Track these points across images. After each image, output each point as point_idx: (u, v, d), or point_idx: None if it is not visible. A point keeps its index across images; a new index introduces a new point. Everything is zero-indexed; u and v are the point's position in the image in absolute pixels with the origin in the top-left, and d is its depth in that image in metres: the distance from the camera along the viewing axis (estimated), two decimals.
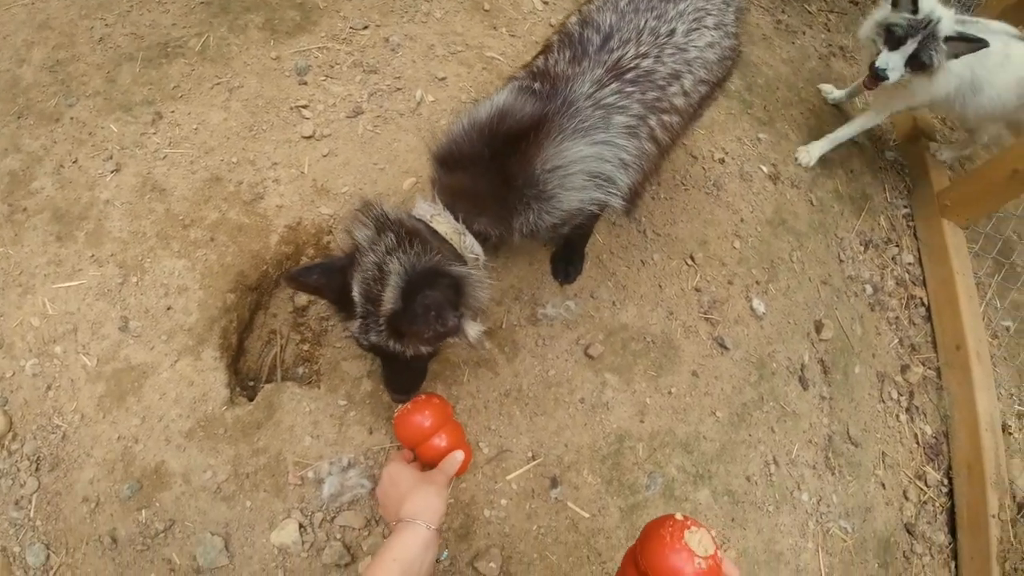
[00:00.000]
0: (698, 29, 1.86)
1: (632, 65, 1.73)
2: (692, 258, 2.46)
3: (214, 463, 1.79)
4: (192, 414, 1.83)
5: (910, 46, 2.45)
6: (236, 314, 2.00)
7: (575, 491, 1.96)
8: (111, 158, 2.15)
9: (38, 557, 1.68)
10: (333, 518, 1.78)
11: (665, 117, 1.80)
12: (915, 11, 2.41)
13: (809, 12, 3.67)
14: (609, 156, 1.70)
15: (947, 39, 2.42)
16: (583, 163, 1.67)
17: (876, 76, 2.53)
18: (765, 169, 2.83)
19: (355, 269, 1.55)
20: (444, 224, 1.63)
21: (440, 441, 1.76)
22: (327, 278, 1.58)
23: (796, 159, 2.95)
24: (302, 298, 2.12)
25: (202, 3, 2.59)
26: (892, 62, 2.49)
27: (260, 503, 1.77)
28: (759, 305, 2.45)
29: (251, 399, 1.91)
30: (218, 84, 2.37)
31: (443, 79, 2.57)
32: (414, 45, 2.65)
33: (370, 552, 1.75)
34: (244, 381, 2.01)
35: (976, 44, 2.38)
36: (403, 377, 1.74)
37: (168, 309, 1.94)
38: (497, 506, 1.89)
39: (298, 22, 2.61)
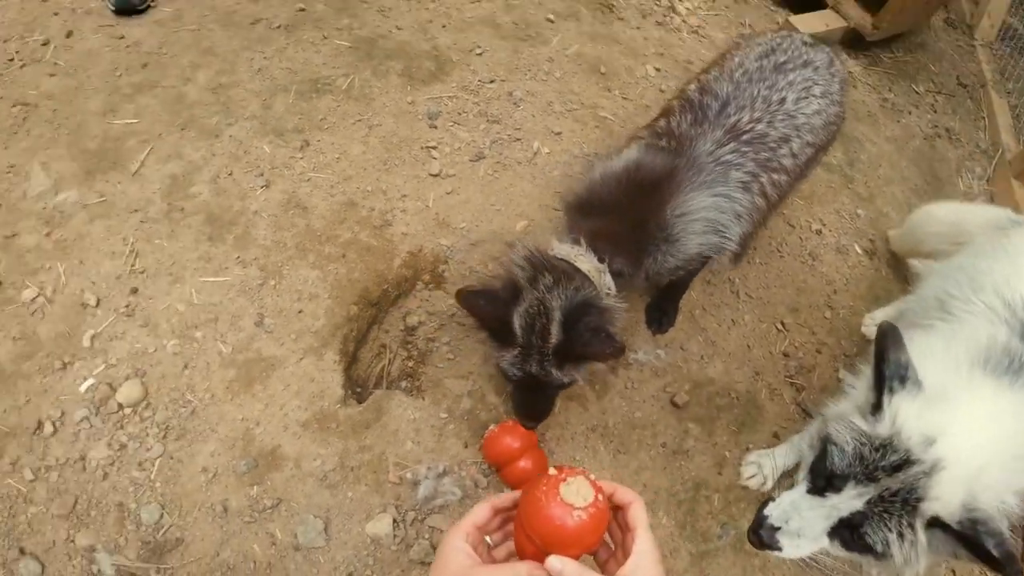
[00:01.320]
0: (806, 98, 2.03)
1: (747, 128, 1.92)
2: (783, 323, 2.54)
3: (324, 453, 1.97)
4: (310, 407, 2.02)
5: (850, 501, 1.30)
6: (356, 325, 2.20)
7: (648, 530, 2.03)
8: (262, 175, 2.43)
9: (152, 515, 1.85)
10: (424, 518, 1.92)
11: (775, 176, 1.98)
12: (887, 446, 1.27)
13: (916, 92, 3.72)
14: (726, 207, 1.90)
15: (933, 524, 1.24)
16: (705, 211, 1.86)
17: (758, 536, 1.40)
18: (862, 244, 2.88)
19: (517, 304, 1.73)
20: (587, 263, 1.79)
21: (525, 464, 1.90)
22: (491, 307, 1.77)
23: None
24: (413, 318, 2.31)
25: (350, 48, 2.89)
26: (798, 522, 1.37)
27: (360, 495, 1.93)
28: (845, 376, 2.48)
29: (360, 402, 2.10)
30: (359, 120, 2.65)
31: (559, 133, 2.78)
32: (534, 100, 2.88)
33: None
34: (353, 388, 2.19)
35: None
36: (539, 405, 1.91)
37: (299, 312, 2.16)
38: None
39: (433, 72, 2.88)
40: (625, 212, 1.86)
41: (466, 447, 2.03)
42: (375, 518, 1.90)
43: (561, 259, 1.80)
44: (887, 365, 1.33)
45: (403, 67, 2.87)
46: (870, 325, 2.60)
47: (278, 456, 1.96)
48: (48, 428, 1.93)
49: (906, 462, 1.25)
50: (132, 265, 2.19)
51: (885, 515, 1.26)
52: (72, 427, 1.94)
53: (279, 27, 2.92)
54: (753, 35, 2.26)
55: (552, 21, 3.25)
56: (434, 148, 2.63)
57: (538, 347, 1.73)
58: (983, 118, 3.80)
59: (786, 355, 2.48)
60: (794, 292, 2.63)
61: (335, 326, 2.16)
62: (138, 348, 2.06)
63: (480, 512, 1.19)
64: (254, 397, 2.03)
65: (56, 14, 2.88)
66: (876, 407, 1.33)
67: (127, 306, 2.13)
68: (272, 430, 1.99)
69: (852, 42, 3.74)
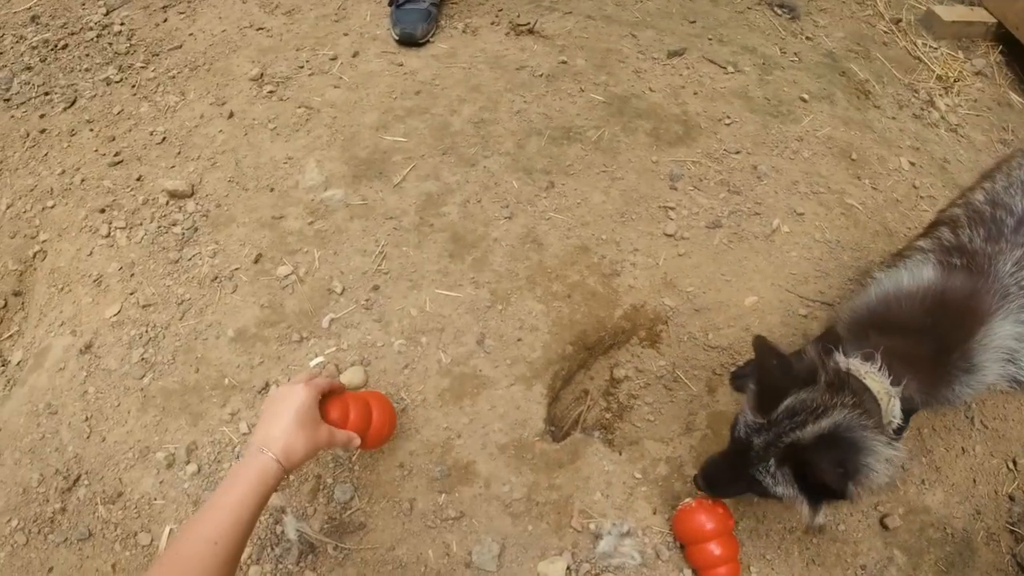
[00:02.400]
0: None
1: None
2: (1015, 462, 2.27)
3: (514, 481, 2.00)
4: (510, 432, 2.07)
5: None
6: (568, 364, 2.24)
7: None
8: (507, 207, 2.56)
9: (344, 494, 1.96)
10: (598, 574, 1.89)
11: None
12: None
13: None
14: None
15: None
16: (1008, 340, 1.67)
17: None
18: None
19: (800, 389, 1.58)
20: (878, 383, 1.63)
21: (715, 549, 1.82)
22: (779, 371, 1.61)
23: None
24: (620, 371, 2.32)
25: (603, 103, 3.00)
26: None
27: (540, 532, 1.94)
28: None
29: (554, 440, 2.13)
30: (604, 172, 2.73)
31: (801, 214, 2.70)
32: (779, 177, 2.82)
33: None
34: (549, 425, 2.23)
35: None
36: (727, 480, 1.75)
37: (518, 340, 2.23)
38: None
39: (680, 135, 2.91)
40: (930, 335, 1.69)
41: (655, 513, 1.98)
42: (550, 559, 1.89)
43: (849, 371, 1.63)
44: None
45: (652, 127, 2.93)
46: None
47: (471, 472, 2.02)
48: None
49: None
50: (379, 265, 2.38)
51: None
52: None
53: (541, 75, 3.10)
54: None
55: (805, 100, 3.18)
56: (672, 209, 2.64)
57: (782, 431, 1.56)
58: None
59: (1012, 499, 2.21)
60: None
61: (548, 361, 2.21)
62: (369, 339, 2.23)
63: (324, 383, 1.65)
64: (461, 410, 2.11)
65: (346, 35, 3.25)
66: None
67: (367, 300, 2.31)
68: (471, 445, 2.06)
69: None
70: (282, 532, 1.91)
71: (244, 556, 1.86)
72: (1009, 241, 1.73)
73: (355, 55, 3.13)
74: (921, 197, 2.92)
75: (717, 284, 2.45)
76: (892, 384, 1.61)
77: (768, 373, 1.62)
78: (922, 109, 3.40)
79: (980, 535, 2.13)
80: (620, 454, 2.08)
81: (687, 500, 1.91)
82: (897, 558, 2.03)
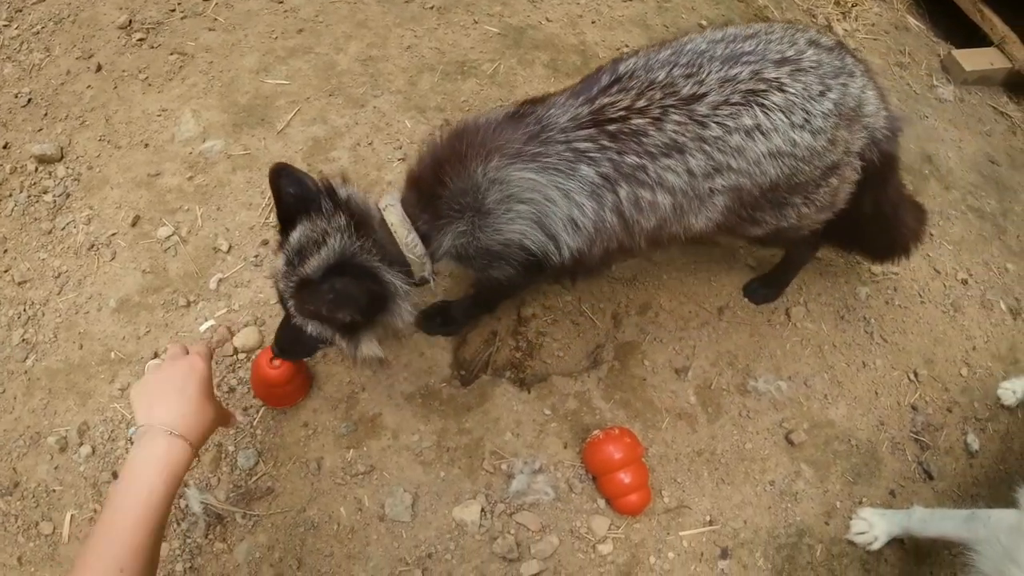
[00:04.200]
0: (746, 107, 1.48)
1: (617, 116, 1.48)
2: (915, 374, 2.35)
3: (423, 429, 1.95)
4: (416, 381, 2.02)
5: None
6: None
7: (743, 569, 1.92)
8: (400, 148, 2.45)
9: (248, 460, 1.89)
10: (513, 513, 1.87)
11: (645, 194, 1.51)
12: None
13: None
14: (561, 206, 1.52)
15: None
16: (533, 194, 1.51)
17: None
18: (1007, 302, 2.64)
19: (307, 218, 1.49)
20: (394, 216, 1.55)
21: (625, 477, 1.83)
22: (296, 201, 1.49)
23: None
24: (527, 310, 2.27)
25: (499, 34, 2.89)
26: None
27: (452, 478, 1.91)
28: (974, 442, 2.28)
29: (464, 384, 2.08)
30: (500, 105, 2.62)
31: None
32: None
33: (537, 556, 1.82)
34: (458, 369, 2.17)
35: None
36: (289, 340, 1.67)
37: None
38: (663, 557, 1.90)
39: (578, 66, 2.83)
40: (437, 163, 1.54)
41: (565, 448, 1.97)
42: (464, 503, 1.87)
43: (376, 207, 1.56)
44: None
45: (549, 59, 2.84)
46: (1007, 390, 2.38)
47: (378, 424, 1.96)
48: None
49: None
50: (267, 218, 2.25)
51: None
52: None
53: (432, 8, 2.96)
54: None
55: (703, 27, 3.13)
56: None
57: (293, 267, 1.48)
58: None
59: (914, 408, 2.29)
60: (931, 342, 2.44)
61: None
62: (261, 298, 2.11)
63: (206, 350, 1.55)
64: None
65: None
66: None
67: (256, 256, 2.19)
68: (376, 397, 2.00)
69: (1016, 85, 3.46)
70: (187, 506, 1.83)
71: None
72: (587, 97, 1.52)
73: None
74: None
75: None
76: (416, 222, 1.56)
77: (286, 206, 1.52)
78: (819, 33, 3.40)
79: (885, 445, 2.21)
80: (529, 392, 2.06)
81: (595, 432, 1.90)
82: (804, 472, 2.08)
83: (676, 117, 1.46)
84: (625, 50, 2.92)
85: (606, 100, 1.49)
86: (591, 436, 1.90)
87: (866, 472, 2.14)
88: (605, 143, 1.47)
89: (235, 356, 2.03)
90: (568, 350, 2.23)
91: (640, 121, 1.46)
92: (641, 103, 1.47)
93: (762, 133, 1.49)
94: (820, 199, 1.71)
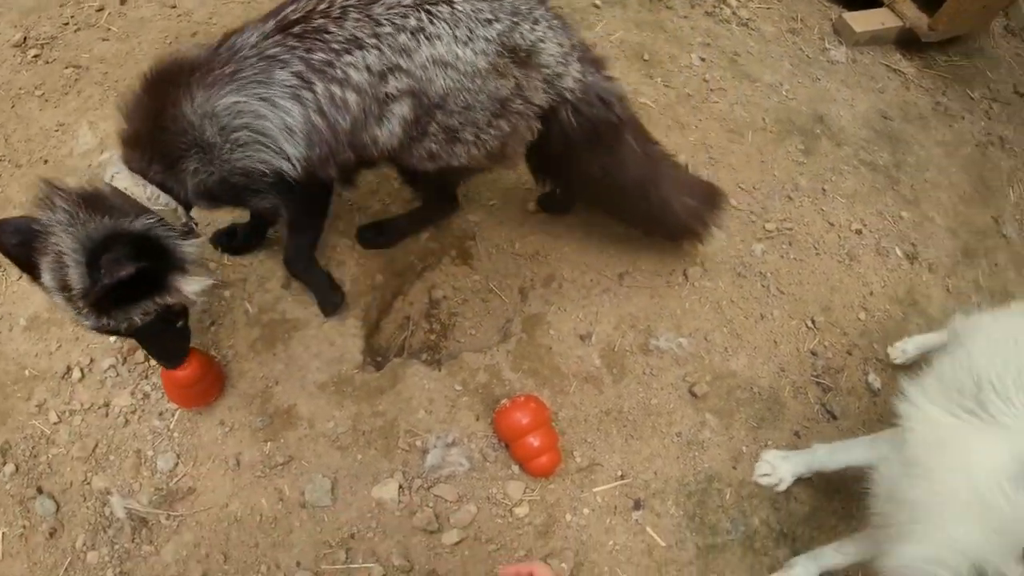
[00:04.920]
0: (414, 11, 1.58)
1: (299, 18, 1.56)
2: (813, 321, 2.47)
3: (338, 415, 2.00)
4: (328, 369, 2.06)
5: None
6: (380, 294, 2.24)
7: (656, 518, 2.01)
8: None
9: (167, 463, 1.92)
10: (430, 487, 1.94)
11: (336, 91, 1.58)
12: None
13: (971, 98, 3.57)
14: (271, 118, 1.56)
15: None
16: (240, 120, 1.54)
17: None
18: (903, 248, 2.79)
19: (41, 253, 1.45)
20: (124, 179, 1.53)
21: (534, 441, 1.91)
22: (24, 247, 1.45)
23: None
24: (438, 292, 2.33)
25: None
26: None
27: (369, 459, 1.96)
28: (875, 380, 2.41)
29: (378, 370, 2.13)
30: None
31: None
32: None
33: (456, 525, 1.89)
34: (374, 356, 2.22)
35: None
36: (156, 347, 1.71)
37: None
38: (579, 514, 1.98)
39: None
40: (148, 111, 1.53)
41: (478, 420, 2.04)
42: (382, 482, 1.93)
43: (102, 184, 1.54)
44: None
45: None
46: (898, 348, 2.47)
47: (293, 415, 2.00)
48: (76, 374, 2.02)
49: None
50: None
51: None
52: (99, 375, 2.03)
53: None
54: None
55: (598, 7, 3.23)
56: None
57: (72, 301, 1.45)
58: None
59: (814, 354, 2.42)
60: (828, 291, 2.56)
61: (359, 293, 2.20)
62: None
63: None
64: (275, 357, 2.08)
65: None
66: None
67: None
68: (290, 389, 2.04)
69: (908, 43, 3.62)
70: (111, 513, 1.86)
71: (79, 544, 1.82)
72: (269, 19, 1.59)
73: (123, 2, 2.89)
74: (712, 90, 3.05)
75: (519, 194, 2.48)
76: (147, 176, 1.55)
77: (18, 261, 1.50)
78: (714, 7, 3.50)
79: (787, 390, 2.32)
80: (440, 370, 2.12)
81: (503, 401, 1.97)
82: (709, 421, 2.19)
83: (355, 15, 1.56)
84: None
85: (289, 10, 1.58)
86: (499, 405, 1.97)
87: (770, 417, 2.25)
88: (292, 44, 1.54)
89: (147, 363, 2.04)
90: (480, 327, 2.30)
91: (322, 20, 1.55)
92: (323, 6, 1.56)
93: (427, 37, 1.59)
94: (490, 142, 1.81)
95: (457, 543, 1.88)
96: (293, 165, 1.62)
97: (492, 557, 1.89)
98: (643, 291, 2.37)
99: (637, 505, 2.02)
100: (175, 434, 1.97)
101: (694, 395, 2.21)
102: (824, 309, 2.51)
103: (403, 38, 1.58)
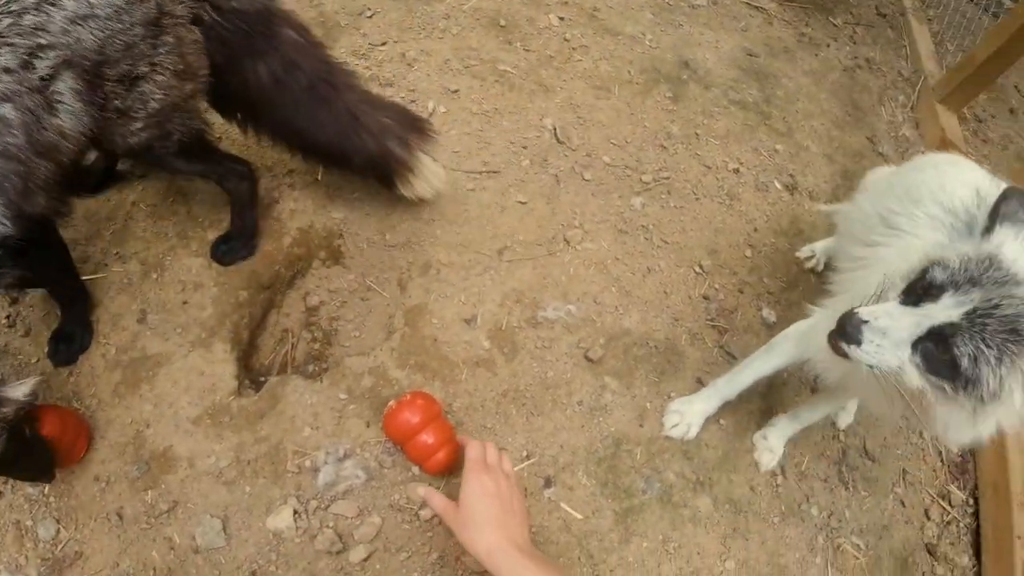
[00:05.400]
0: None
1: None
2: (701, 266, 2.47)
3: (218, 449, 1.87)
4: (200, 402, 1.92)
5: (946, 311, 1.19)
6: (248, 310, 2.09)
7: (569, 492, 1.97)
8: None
9: (49, 531, 1.77)
10: (328, 506, 1.83)
11: None
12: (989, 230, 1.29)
13: (834, 25, 3.65)
14: None
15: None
16: None
17: (840, 329, 1.27)
18: (782, 180, 2.81)
19: None
20: None
21: (428, 438, 1.82)
22: None
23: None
24: (314, 298, 2.21)
25: None
26: (887, 321, 1.24)
27: (259, 489, 1.84)
28: (769, 315, 2.43)
29: (257, 391, 2.00)
30: None
31: (456, 91, 2.67)
32: (429, 60, 2.76)
33: (362, 540, 1.80)
34: (256, 377, 2.10)
35: None
36: (23, 464, 1.64)
37: (184, 304, 2.04)
38: None
39: (321, 37, 2.73)
40: None
41: (368, 427, 1.94)
42: (275, 511, 1.81)
43: None
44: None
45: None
46: (806, 251, 2.59)
47: (170, 457, 1.86)
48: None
49: (1010, 280, 1.20)
50: None
51: (982, 331, 1.16)
52: None
53: None
54: None
55: None
56: None
57: None
58: (904, 46, 3.73)
59: (706, 298, 2.41)
60: (712, 234, 2.56)
61: (223, 314, 2.05)
62: (19, 360, 1.95)
63: None
64: (142, 398, 1.92)
65: None
66: (987, 230, 1.29)
67: (8, 318, 2.01)
68: (163, 430, 1.89)
69: None
70: None
71: None
72: None
73: None
74: (574, 48, 2.99)
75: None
76: None
77: None
78: None
79: (683, 339, 2.31)
80: (321, 381, 2.01)
81: (390, 403, 1.88)
82: (609, 384, 2.15)
83: None
84: (367, 13, 2.86)
85: None
86: (387, 407, 1.88)
87: (670, 368, 2.23)
88: None
89: None
90: (364, 328, 2.19)
91: None
92: None
93: (51, 4, 1.40)
94: (167, 63, 1.63)
95: (366, 559, 1.78)
96: (5, 224, 1.43)
97: (406, 566, 1.80)
98: (525, 263, 2.30)
99: (548, 483, 1.97)
100: (51, 499, 1.81)
101: (590, 360, 2.16)
102: (711, 252, 2.51)
103: (29, 18, 1.37)
